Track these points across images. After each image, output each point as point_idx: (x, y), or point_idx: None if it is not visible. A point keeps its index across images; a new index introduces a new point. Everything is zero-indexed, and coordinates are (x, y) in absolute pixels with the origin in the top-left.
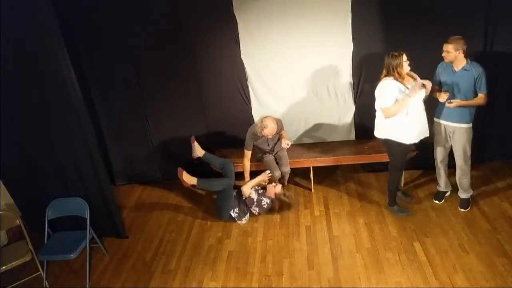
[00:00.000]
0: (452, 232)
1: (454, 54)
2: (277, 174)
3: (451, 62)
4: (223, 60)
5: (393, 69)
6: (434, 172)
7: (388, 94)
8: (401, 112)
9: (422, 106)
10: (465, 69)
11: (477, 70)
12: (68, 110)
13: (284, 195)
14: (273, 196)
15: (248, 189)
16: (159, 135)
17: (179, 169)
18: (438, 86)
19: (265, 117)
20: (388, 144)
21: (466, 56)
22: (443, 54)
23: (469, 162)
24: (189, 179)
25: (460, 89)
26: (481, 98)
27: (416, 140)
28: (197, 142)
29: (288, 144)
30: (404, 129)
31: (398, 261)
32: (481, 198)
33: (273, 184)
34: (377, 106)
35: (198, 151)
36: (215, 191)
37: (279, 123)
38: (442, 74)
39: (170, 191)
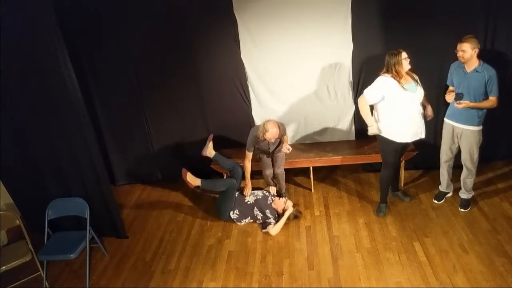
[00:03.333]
0: (452, 232)
1: (470, 53)
2: (268, 172)
3: (464, 63)
4: (223, 60)
5: (391, 67)
6: (434, 172)
7: (375, 88)
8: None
9: (418, 108)
10: (477, 71)
11: (488, 72)
12: (68, 110)
13: (296, 216)
14: (280, 211)
15: (277, 231)
16: (159, 135)
17: (183, 170)
18: (452, 87)
19: (268, 121)
20: (380, 141)
21: (479, 57)
22: (459, 54)
23: (476, 164)
24: (193, 180)
25: (470, 91)
26: (491, 101)
27: (407, 140)
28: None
29: (289, 149)
30: (396, 128)
31: (398, 261)
32: (481, 198)
33: (284, 199)
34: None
35: (210, 151)
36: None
37: (281, 127)
38: (453, 74)
39: (170, 191)
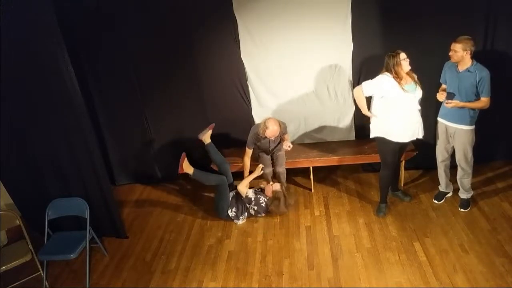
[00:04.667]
0: (452, 232)
1: (461, 54)
2: (268, 170)
3: (457, 62)
4: (223, 60)
5: (391, 69)
6: (434, 172)
7: (374, 83)
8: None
9: (416, 107)
10: (469, 71)
11: (480, 73)
12: (68, 110)
13: (284, 194)
14: (270, 195)
15: (244, 187)
16: (159, 135)
17: (183, 154)
18: (445, 85)
19: (269, 118)
20: (378, 141)
21: (472, 58)
22: (450, 53)
23: (471, 163)
24: (187, 167)
25: (460, 90)
26: (482, 101)
27: (405, 140)
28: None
29: (289, 147)
30: (394, 128)
31: (398, 261)
32: (481, 198)
33: (270, 183)
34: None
35: (206, 137)
36: (213, 188)
37: (282, 125)
38: (446, 73)
39: (170, 191)
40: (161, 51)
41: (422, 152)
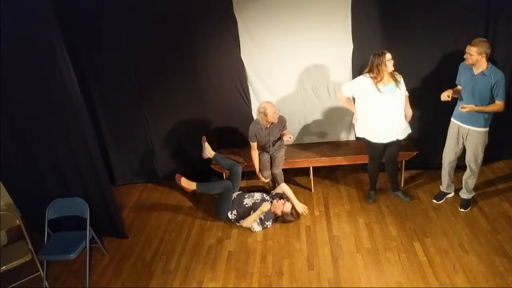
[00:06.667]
0: (452, 232)
1: (476, 58)
2: (266, 174)
3: (472, 65)
4: (223, 60)
5: (374, 67)
6: (434, 172)
7: (350, 83)
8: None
9: (395, 110)
10: (484, 74)
11: (495, 76)
12: (68, 110)
13: (291, 214)
14: (279, 213)
15: (250, 223)
16: (159, 135)
17: (177, 176)
18: (460, 86)
19: (260, 105)
20: (363, 140)
21: (488, 60)
22: (465, 56)
23: (480, 165)
24: (188, 184)
25: (475, 93)
26: (497, 105)
27: (381, 141)
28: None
29: (290, 138)
30: (370, 128)
31: (398, 261)
32: (481, 198)
33: (282, 201)
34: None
35: (208, 151)
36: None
37: (282, 118)
38: (461, 75)
39: (170, 191)
40: (161, 51)
41: (422, 152)
